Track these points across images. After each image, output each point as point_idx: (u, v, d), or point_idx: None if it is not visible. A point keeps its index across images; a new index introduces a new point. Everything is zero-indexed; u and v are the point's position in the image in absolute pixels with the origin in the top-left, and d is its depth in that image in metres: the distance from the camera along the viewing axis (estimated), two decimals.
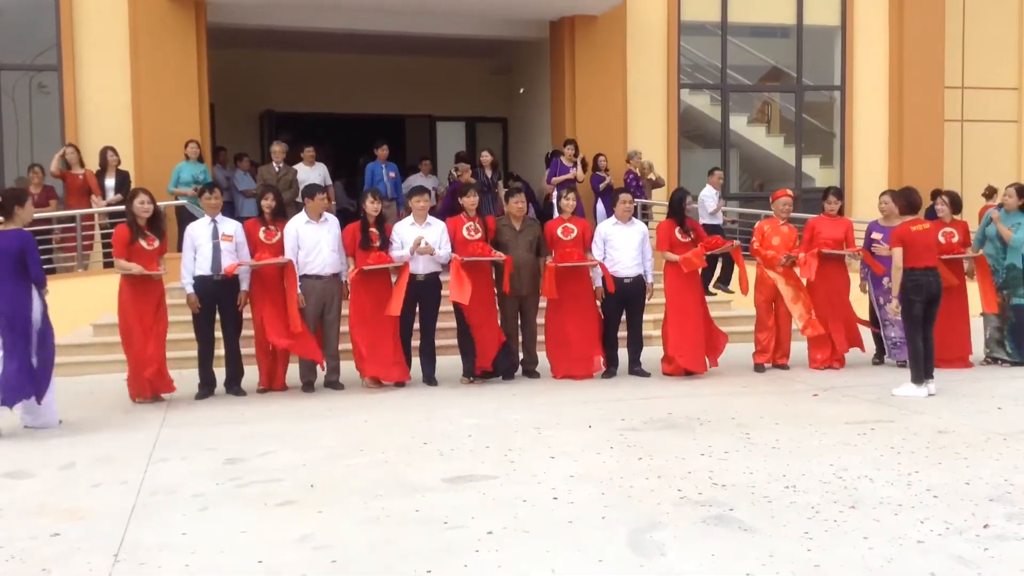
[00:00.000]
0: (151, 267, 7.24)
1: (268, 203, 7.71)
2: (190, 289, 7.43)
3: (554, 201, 11.08)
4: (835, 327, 8.42)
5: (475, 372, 7.93)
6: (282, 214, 7.87)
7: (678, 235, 8.16)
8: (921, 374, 7.08)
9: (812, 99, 14.80)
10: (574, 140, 12.21)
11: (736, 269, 9.10)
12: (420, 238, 7.73)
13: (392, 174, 12.26)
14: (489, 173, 11.93)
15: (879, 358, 8.79)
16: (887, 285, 8.51)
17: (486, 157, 12.00)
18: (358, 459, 5.33)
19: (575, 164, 12.03)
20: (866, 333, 8.84)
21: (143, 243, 7.24)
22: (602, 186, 12.08)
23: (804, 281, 8.41)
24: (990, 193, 13.07)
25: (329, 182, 11.85)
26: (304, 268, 7.66)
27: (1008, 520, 4.02)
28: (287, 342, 7.50)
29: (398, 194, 12.05)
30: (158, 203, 7.58)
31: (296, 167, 11.55)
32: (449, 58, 15.71)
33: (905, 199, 7.42)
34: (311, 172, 11.53)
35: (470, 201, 8.03)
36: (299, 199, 8.85)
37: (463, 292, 7.57)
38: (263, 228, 7.67)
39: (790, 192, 8.74)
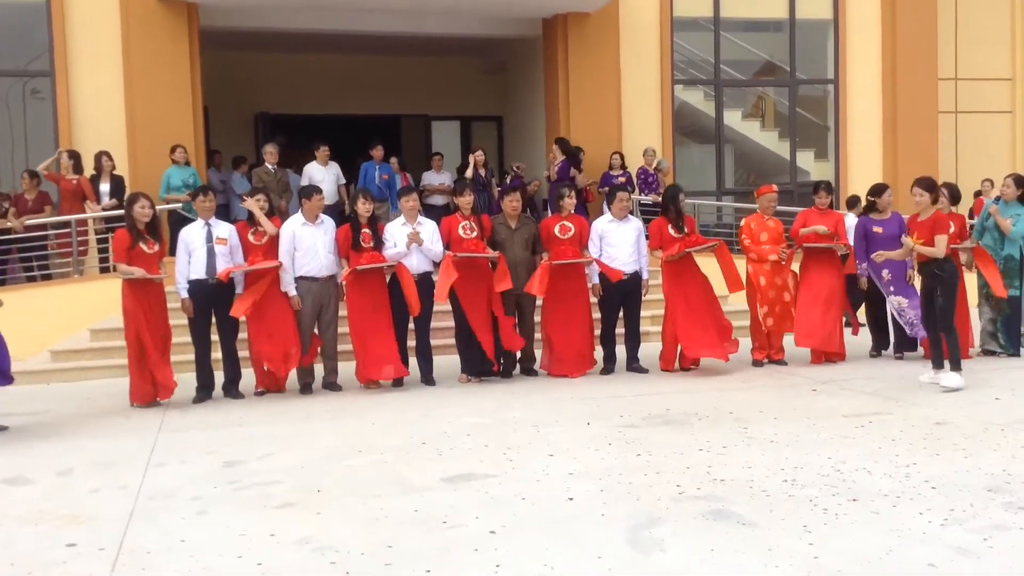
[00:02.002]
0: (152, 271, 7.24)
1: (260, 205, 7.69)
2: (185, 293, 7.42)
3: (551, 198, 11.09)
4: (825, 322, 8.43)
5: (494, 369, 7.92)
6: (272, 216, 7.84)
7: (670, 231, 8.19)
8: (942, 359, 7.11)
9: (806, 93, 14.80)
10: (564, 138, 12.20)
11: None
12: (415, 232, 7.75)
13: (385, 175, 12.25)
14: (482, 172, 11.93)
15: (877, 351, 8.79)
16: (887, 277, 8.51)
17: (479, 156, 12.01)
18: (357, 460, 5.33)
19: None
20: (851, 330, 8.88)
21: (143, 247, 7.25)
22: (598, 190, 12.08)
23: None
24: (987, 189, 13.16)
25: (343, 181, 11.82)
26: (300, 270, 7.65)
27: (1007, 510, 4.02)
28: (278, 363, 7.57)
29: (391, 193, 12.07)
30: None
31: (310, 165, 11.52)
32: (443, 57, 15.71)
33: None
34: (325, 172, 11.49)
35: (465, 200, 8.03)
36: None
37: (443, 290, 7.64)
38: (252, 230, 7.66)
39: (775, 187, 8.76)
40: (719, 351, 8.06)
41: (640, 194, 12.08)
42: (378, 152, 12.22)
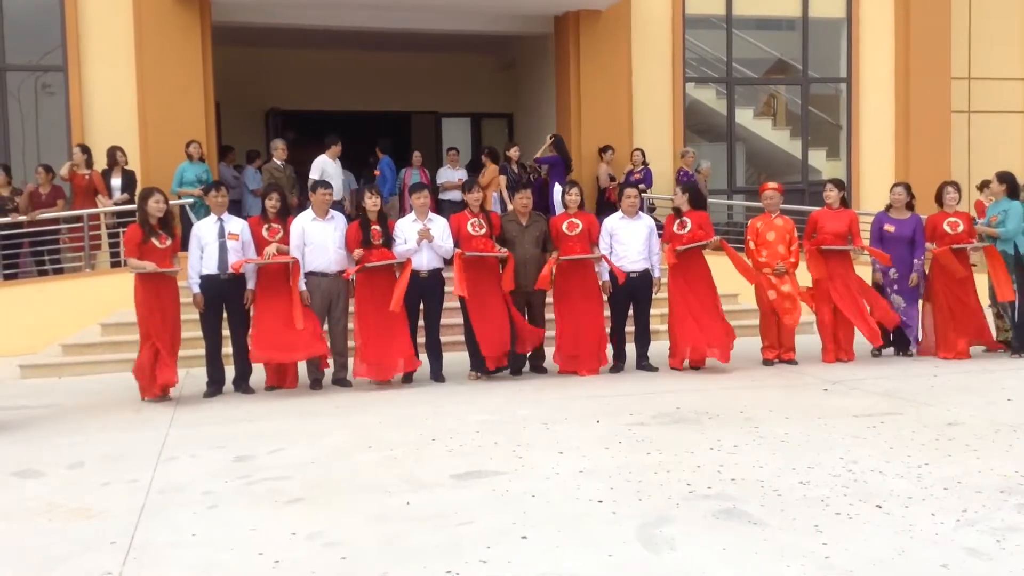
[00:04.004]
0: (164, 266, 7.26)
1: (272, 203, 7.70)
2: (196, 288, 7.44)
3: (556, 197, 11.09)
4: (845, 322, 8.40)
5: (490, 367, 7.88)
6: (286, 214, 7.86)
7: (675, 229, 8.18)
8: None
9: (818, 91, 14.74)
10: (561, 137, 12.17)
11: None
12: (426, 229, 7.74)
13: (376, 172, 12.25)
14: (515, 168, 11.90)
15: (879, 350, 8.73)
16: (893, 276, 8.49)
17: (515, 152, 12.00)
18: (366, 456, 5.33)
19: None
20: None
21: (156, 242, 7.27)
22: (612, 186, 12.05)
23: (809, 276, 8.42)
24: (983, 186, 13.08)
25: (354, 186, 11.77)
26: (309, 265, 7.65)
27: (1020, 512, 3.99)
28: (274, 353, 7.47)
29: (386, 189, 12.07)
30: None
31: (321, 158, 11.42)
32: (454, 54, 15.71)
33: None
34: (336, 166, 11.43)
35: (473, 197, 8.02)
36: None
37: (464, 285, 7.59)
38: (266, 226, 7.67)
39: (772, 184, 8.67)
40: (723, 351, 8.01)
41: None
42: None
